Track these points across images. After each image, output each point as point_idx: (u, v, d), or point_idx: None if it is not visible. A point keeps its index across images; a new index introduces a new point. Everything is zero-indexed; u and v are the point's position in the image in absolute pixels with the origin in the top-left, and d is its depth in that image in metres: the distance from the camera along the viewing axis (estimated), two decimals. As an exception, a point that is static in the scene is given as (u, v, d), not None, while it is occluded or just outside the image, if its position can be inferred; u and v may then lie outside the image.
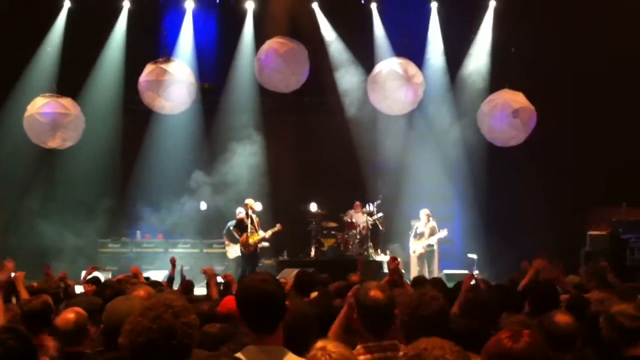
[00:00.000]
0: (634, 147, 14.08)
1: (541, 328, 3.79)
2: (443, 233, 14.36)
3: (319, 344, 2.63)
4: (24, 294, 6.07)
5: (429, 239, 14.36)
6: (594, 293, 6.35)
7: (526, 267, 6.54)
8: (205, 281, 8.57)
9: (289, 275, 8.25)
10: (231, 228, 14.58)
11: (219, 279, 8.24)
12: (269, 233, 13.84)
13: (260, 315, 2.99)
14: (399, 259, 5.69)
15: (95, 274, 9.83)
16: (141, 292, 4.41)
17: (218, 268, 14.71)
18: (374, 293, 3.45)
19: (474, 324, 4.19)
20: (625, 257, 12.44)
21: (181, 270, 9.78)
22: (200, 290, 9.75)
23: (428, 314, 3.38)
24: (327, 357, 2.55)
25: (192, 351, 2.57)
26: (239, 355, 2.94)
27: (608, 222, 13.47)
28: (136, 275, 7.62)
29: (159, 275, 12.50)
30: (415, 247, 14.54)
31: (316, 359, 2.56)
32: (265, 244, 14.18)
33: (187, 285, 8.25)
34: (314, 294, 6.30)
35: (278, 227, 13.83)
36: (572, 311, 4.43)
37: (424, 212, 14.60)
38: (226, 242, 15.25)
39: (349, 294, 3.85)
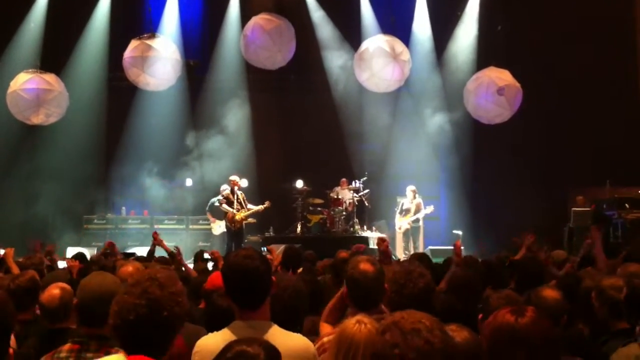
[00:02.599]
0: (618, 126, 14.17)
1: (528, 303, 3.77)
2: (429, 209, 14.40)
3: (358, 316, 2.71)
4: (15, 270, 6.05)
5: (415, 215, 14.41)
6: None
7: (517, 242, 6.55)
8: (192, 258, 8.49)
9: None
10: (215, 204, 14.51)
11: (206, 256, 8.20)
12: (256, 208, 13.77)
13: (245, 291, 3.01)
14: (387, 240, 5.69)
15: (83, 250, 9.77)
16: (129, 268, 4.35)
17: (203, 244, 14.78)
18: (364, 266, 3.41)
19: (454, 300, 4.20)
20: (608, 233, 12.50)
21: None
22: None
23: (416, 291, 3.34)
24: (363, 326, 2.63)
25: (183, 321, 2.56)
26: (225, 330, 2.96)
27: (592, 199, 13.58)
28: (112, 247, 7.50)
29: (144, 251, 12.48)
30: (401, 223, 14.58)
31: (350, 328, 2.64)
32: (251, 219, 14.09)
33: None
34: (299, 270, 6.33)
35: (267, 204, 13.72)
36: (564, 287, 4.45)
37: (410, 189, 14.62)
38: (210, 219, 15.24)
39: None
